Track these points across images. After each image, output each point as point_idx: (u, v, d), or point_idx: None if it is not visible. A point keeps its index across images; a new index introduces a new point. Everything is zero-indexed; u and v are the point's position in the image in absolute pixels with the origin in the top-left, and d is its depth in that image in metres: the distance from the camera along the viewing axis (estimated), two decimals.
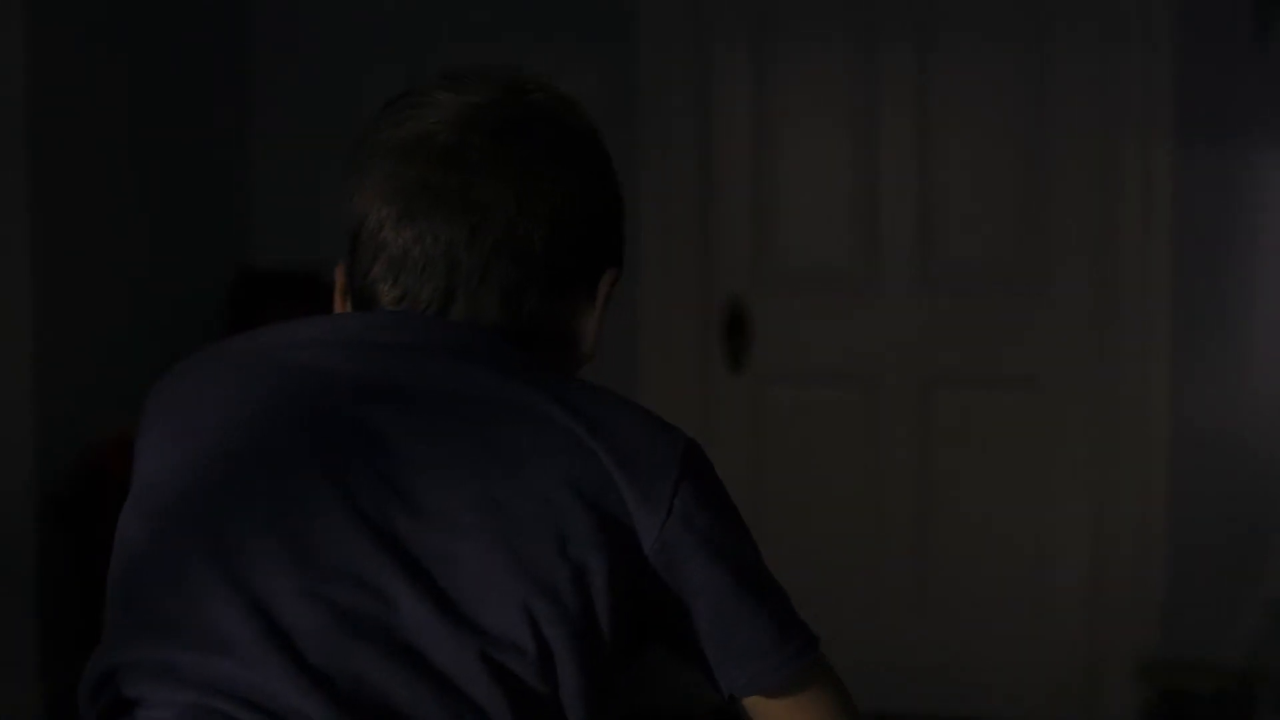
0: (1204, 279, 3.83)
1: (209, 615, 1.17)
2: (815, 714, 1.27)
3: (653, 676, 4.13)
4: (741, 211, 4.10)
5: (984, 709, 4.00)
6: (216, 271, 4.16)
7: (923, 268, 4.01)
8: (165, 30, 4.00)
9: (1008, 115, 3.93)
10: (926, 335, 4.03)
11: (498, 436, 1.19)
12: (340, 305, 1.34)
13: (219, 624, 1.16)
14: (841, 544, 4.09)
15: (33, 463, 3.59)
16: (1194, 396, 3.85)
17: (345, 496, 1.18)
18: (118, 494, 1.38)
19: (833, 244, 4.07)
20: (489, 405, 1.21)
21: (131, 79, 3.88)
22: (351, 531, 1.17)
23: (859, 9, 3.99)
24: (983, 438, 4.00)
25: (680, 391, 4.11)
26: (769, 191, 4.09)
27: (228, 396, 1.25)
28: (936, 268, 4.01)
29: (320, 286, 4.04)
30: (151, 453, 1.27)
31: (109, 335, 3.83)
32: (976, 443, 4.01)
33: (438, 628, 1.15)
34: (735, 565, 1.25)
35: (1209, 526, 3.86)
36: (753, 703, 1.26)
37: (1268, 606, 4.34)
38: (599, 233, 1.32)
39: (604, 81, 4.06)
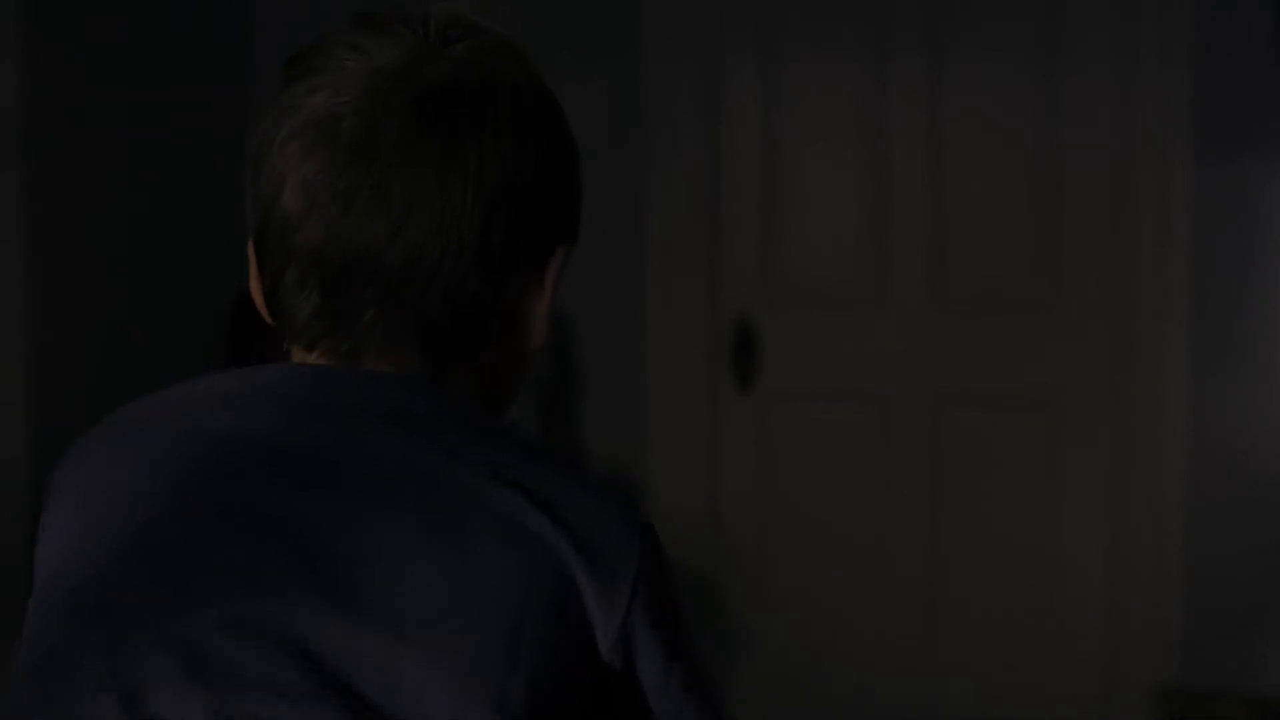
0: (1223, 298, 3.76)
1: None
2: None
3: None
4: (751, 228, 4.04)
5: None
6: (217, 284, 4.11)
7: (935, 286, 3.95)
8: (165, 38, 3.96)
9: (1021, 130, 3.87)
10: (939, 355, 3.96)
11: (441, 524, 1.05)
12: (256, 292, 1.17)
13: None
14: (851, 567, 4.02)
15: (25, 478, 3.54)
16: (1212, 418, 3.78)
17: (264, 595, 1.04)
18: None
19: (843, 261, 4.00)
20: (431, 487, 1.06)
21: (130, 90, 3.84)
22: (272, 639, 1.03)
23: (869, 23, 3.93)
24: (996, 460, 3.93)
25: (688, 411, 4.06)
26: (778, 208, 4.03)
27: (133, 475, 1.10)
28: (949, 286, 3.94)
29: None
30: (52, 536, 1.13)
31: (105, 349, 3.78)
32: (990, 465, 3.94)
33: None
34: (686, 665, 1.13)
35: (1228, 551, 3.80)
36: None
37: None
38: (545, 207, 1.16)
39: (609, 98, 4.02)
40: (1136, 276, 3.79)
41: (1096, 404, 3.86)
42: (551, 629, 1.05)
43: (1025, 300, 3.90)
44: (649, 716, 1.11)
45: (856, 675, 4.03)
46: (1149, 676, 3.81)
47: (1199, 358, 3.76)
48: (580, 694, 1.07)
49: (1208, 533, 3.80)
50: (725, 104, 4.02)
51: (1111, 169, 3.80)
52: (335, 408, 1.09)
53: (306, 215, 1.11)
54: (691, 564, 4.10)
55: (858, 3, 3.93)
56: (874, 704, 4.01)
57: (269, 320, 1.17)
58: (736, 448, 4.07)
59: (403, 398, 1.10)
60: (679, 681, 1.12)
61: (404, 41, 1.13)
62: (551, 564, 1.05)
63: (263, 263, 1.15)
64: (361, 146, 1.09)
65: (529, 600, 1.04)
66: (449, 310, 1.12)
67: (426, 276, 1.10)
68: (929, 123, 3.91)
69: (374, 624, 1.03)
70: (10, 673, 1.11)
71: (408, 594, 1.03)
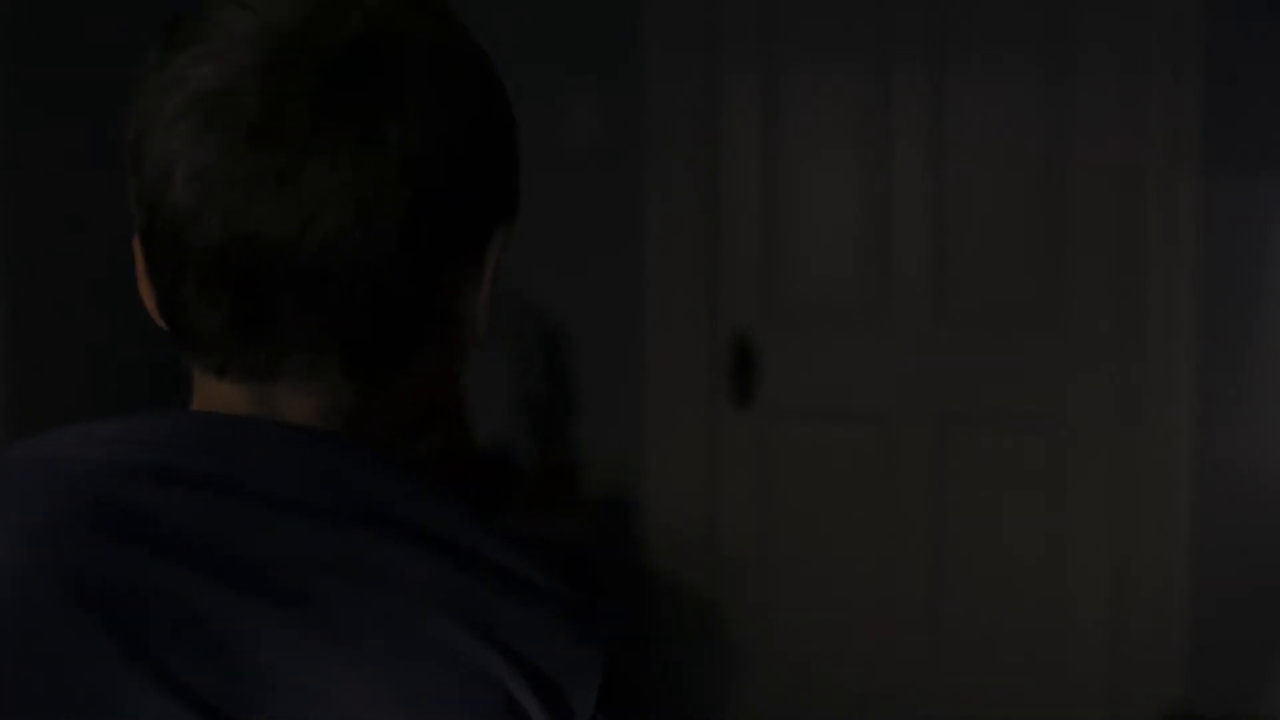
0: (1232, 315, 3.71)
1: None
2: None
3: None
4: (750, 243, 3.98)
5: None
6: None
7: (938, 302, 3.89)
8: (147, 33, 3.90)
9: (1027, 144, 3.81)
10: (941, 372, 3.90)
11: (369, 651, 0.89)
12: (147, 298, 1.02)
13: None
14: (852, 587, 3.97)
15: None
16: (1220, 438, 3.73)
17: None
18: None
19: (844, 277, 3.94)
20: (357, 598, 0.90)
21: (120, 90, 3.78)
22: None
23: (872, 35, 3.88)
24: (1000, 480, 3.87)
25: (687, 428, 4.00)
26: (778, 222, 3.97)
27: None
28: (952, 302, 3.88)
29: None
30: None
31: (89, 352, 3.72)
32: (994, 485, 3.88)
33: None
34: None
35: (1235, 573, 3.75)
36: None
37: None
38: (479, 182, 1.00)
39: (608, 110, 3.97)
40: (1143, 292, 3.73)
41: (1103, 423, 3.80)
42: None
43: (1030, 317, 3.84)
44: None
45: (858, 697, 3.97)
46: (1155, 701, 3.76)
47: (1207, 376, 3.71)
48: None
49: (1214, 555, 3.75)
50: (725, 115, 3.97)
51: (1118, 183, 3.74)
52: (241, 480, 0.93)
53: (202, 209, 0.94)
54: (690, 582, 4.04)
55: (860, 14, 3.88)
56: None
57: (165, 328, 1.01)
58: (735, 465, 4.02)
59: (332, 466, 0.94)
60: None
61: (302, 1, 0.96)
62: (500, 701, 0.90)
63: (153, 267, 0.98)
64: (261, 126, 0.93)
65: None
66: (378, 309, 0.96)
67: (349, 272, 0.95)
68: (933, 135, 3.86)
69: None
70: None
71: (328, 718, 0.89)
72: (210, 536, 0.91)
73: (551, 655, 0.92)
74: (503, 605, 0.92)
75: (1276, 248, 3.69)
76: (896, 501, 3.94)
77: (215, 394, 1.00)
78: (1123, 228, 3.75)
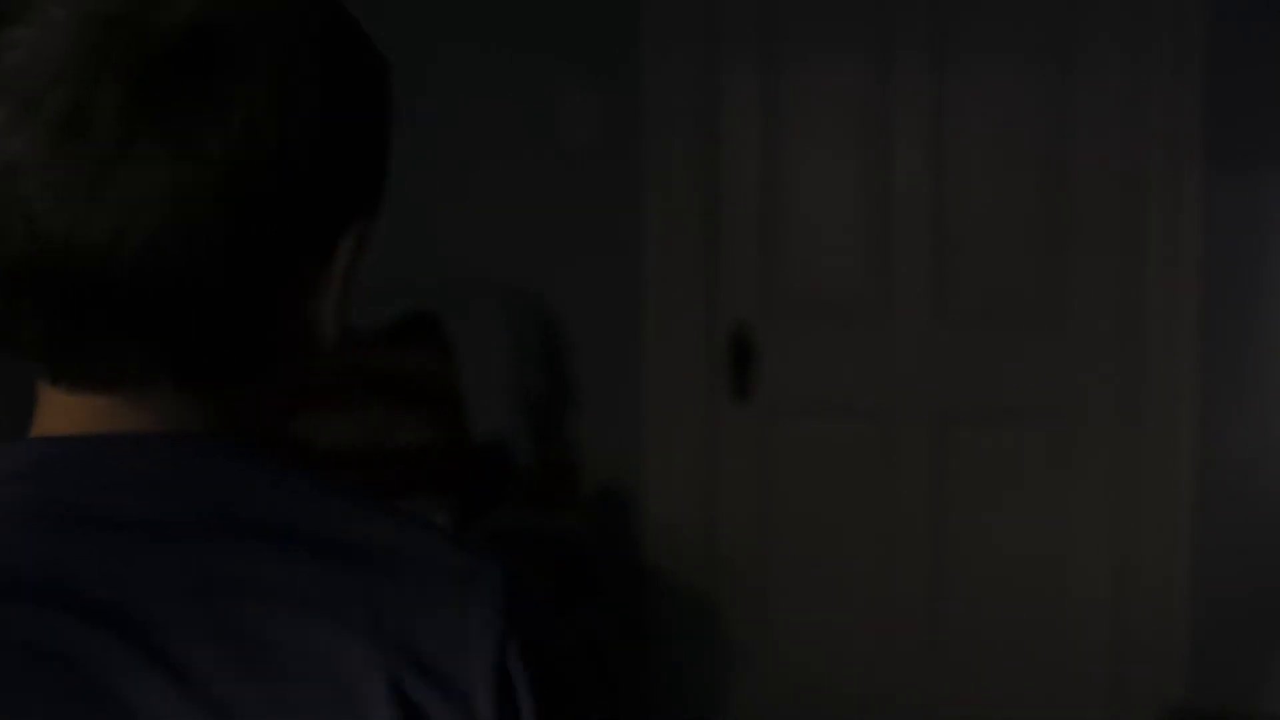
0: (1234, 312, 3.70)
1: None
2: None
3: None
4: (749, 236, 3.95)
5: None
6: None
7: (938, 299, 3.86)
8: None
9: (1028, 139, 3.78)
10: (942, 367, 3.88)
11: (234, 680, 0.84)
12: None
13: None
14: (852, 585, 3.95)
15: None
16: (1222, 435, 3.72)
17: None
18: None
19: (844, 271, 3.92)
20: (224, 624, 0.84)
21: None
22: None
23: (873, 27, 3.84)
24: (1001, 477, 3.86)
25: (685, 423, 3.98)
26: (778, 215, 3.94)
27: None
28: (953, 297, 3.86)
29: None
30: None
31: None
32: (995, 483, 3.86)
33: None
34: None
35: (1237, 569, 3.74)
36: None
37: None
38: (328, 176, 0.89)
39: (607, 105, 3.94)
40: (1146, 289, 3.71)
41: (1104, 420, 3.79)
42: None
43: (1032, 313, 3.82)
44: None
45: (858, 694, 3.96)
46: (1157, 697, 3.75)
47: (1209, 373, 3.70)
48: None
49: (1215, 552, 3.74)
50: (724, 109, 3.93)
51: (1121, 180, 3.72)
52: (124, 515, 0.86)
53: (7, 213, 0.85)
54: (689, 579, 4.02)
55: (860, 9, 3.84)
56: None
57: None
58: (735, 462, 3.99)
59: (188, 490, 0.87)
60: None
61: None
62: (385, 700, 0.84)
63: None
64: (72, 122, 0.83)
65: None
66: (205, 322, 0.87)
67: (169, 283, 0.85)
68: (934, 131, 3.83)
69: None
70: None
71: None
72: (56, 569, 0.84)
73: (441, 633, 0.85)
74: (392, 591, 0.86)
75: (1277, 246, 3.67)
76: (896, 499, 3.92)
77: (58, 404, 0.92)
78: (1124, 225, 3.73)
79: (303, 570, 0.86)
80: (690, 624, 4.03)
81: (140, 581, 0.84)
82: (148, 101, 0.83)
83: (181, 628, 0.84)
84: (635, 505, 4.04)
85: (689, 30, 3.90)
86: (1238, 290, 3.71)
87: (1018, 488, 3.85)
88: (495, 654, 0.86)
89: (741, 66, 3.92)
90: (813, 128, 3.91)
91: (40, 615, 0.84)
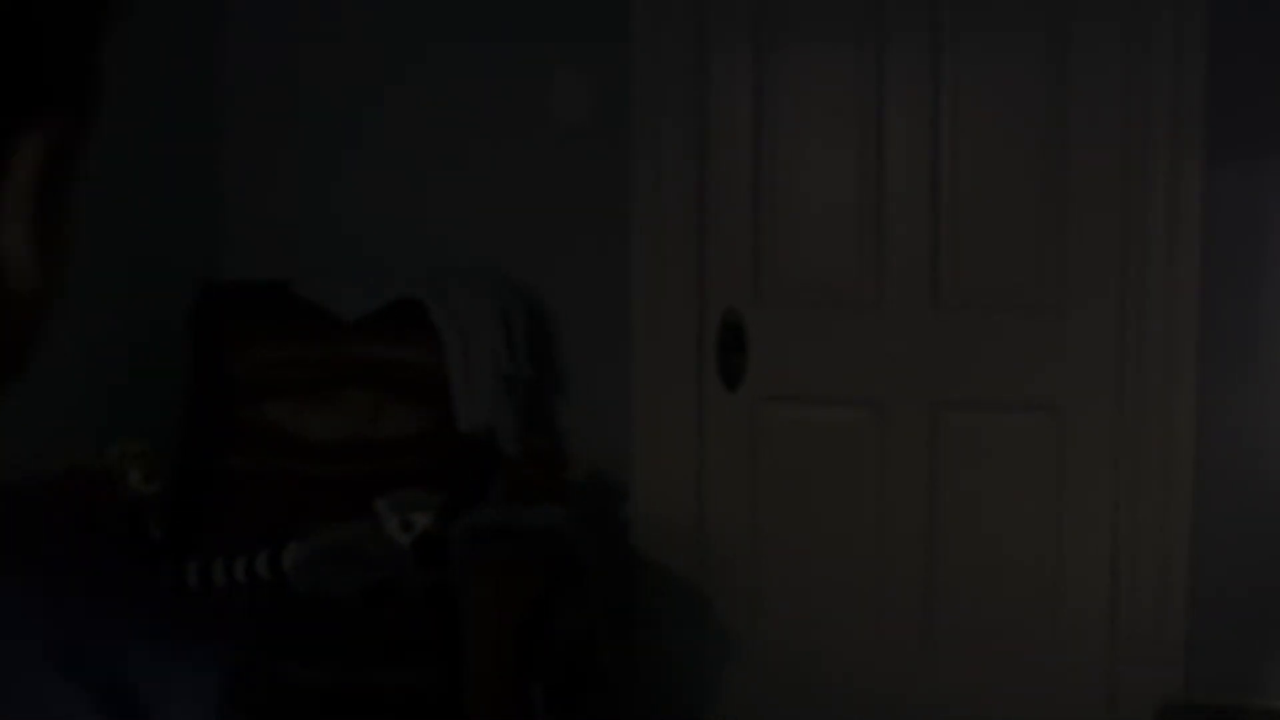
0: (1233, 301, 3.66)
1: None
2: None
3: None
4: (741, 222, 3.90)
5: None
6: (179, 285, 3.95)
7: (933, 285, 3.81)
8: (131, 36, 3.78)
9: (1025, 125, 3.73)
10: (936, 356, 3.83)
11: None
12: None
13: None
14: (844, 576, 3.91)
15: None
16: (1221, 425, 3.68)
17: None
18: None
19: (837, 257, 3.87)
20: None
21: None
22: None
23: (866, 10, 3.78)
24: (996, 466, 3.81)
25: (675, 411, 3.93)
26: (769, 201, 3.88)
27: None
28: (948, 285, 3.81)
29: (288, 297, 3.87)
30: None
31: (62, 361, 3.61)
32: (989, 472, 3.82)
33: None
34: None
35: (1235, 561, 3.71)
36: None
37: None
38: None
39: (596, 87, 3.89)
40: (1144, 279, 3.67)
41: (1101, 410, 3.74)
42: None
43: (1028, 301, 3.77)
44: None
45: (850, 685, 3.92)
46: (1154, 690, 3.72)
47: (1208, 363, 3.66)
48: None
49: (1214, 544, 3.71)
50: (715, 91, 3.87)
51: (1120, 168, 3.67)
52: None
53: None
54: (679, 568, 3.98)
55: None
56: (869, 714, 3.90)
57: None
58: (723, 448, 3.94)
59: None
60: None
61: None
62: None
63: None
64: None
65: None
66: None
67: None
68: (929, 114, 3.77)
69: None
70: None
71: None
72: None
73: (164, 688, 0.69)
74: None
75: (1277, 235, 3.64)
76: (889, 487, 3.87)
77: None
78: (1123, 212, 3.68)
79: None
80: (679, 615, 3.98)
81: None
82: None
83: None
84: (624, 492, 3.99)
85: (679, 14, 3.84)
86: (1236, 279, 3.67)
87: (1013, 478, 3.81)
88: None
89: (733, 46, 3.85)
90: (805, 112, 3.86)
91: None
